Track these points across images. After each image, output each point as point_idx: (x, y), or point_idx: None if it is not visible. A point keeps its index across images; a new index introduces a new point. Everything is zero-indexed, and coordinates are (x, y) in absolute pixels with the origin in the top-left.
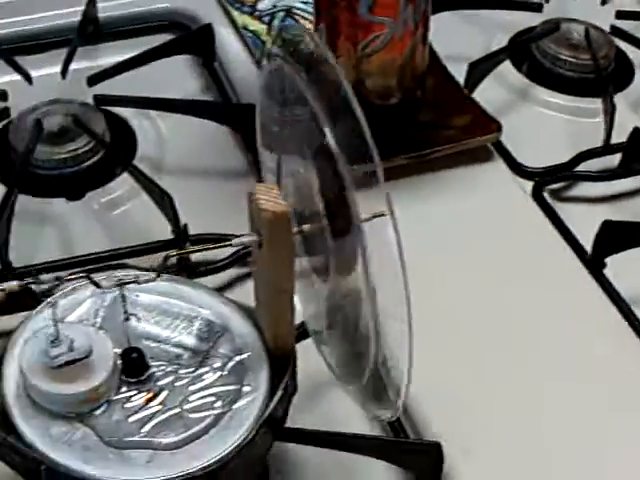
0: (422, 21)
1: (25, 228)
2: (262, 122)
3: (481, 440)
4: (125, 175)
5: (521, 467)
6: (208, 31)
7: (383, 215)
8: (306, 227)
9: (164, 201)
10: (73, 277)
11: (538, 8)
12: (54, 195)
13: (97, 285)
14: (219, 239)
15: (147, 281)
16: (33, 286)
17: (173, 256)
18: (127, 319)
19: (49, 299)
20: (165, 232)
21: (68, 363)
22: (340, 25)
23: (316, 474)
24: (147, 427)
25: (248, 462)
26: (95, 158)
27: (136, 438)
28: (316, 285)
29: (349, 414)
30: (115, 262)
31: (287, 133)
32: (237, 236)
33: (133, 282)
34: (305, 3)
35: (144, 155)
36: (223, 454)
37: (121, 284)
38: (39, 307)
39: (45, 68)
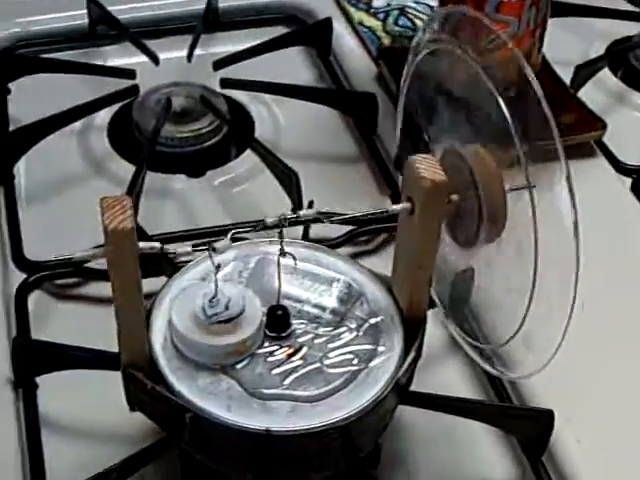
0: (541, 23)
1: (147, 202)
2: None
3: (583, 409)
4: (244, 156)
5: (624, 438)
6: (327, 25)
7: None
8: (454, 197)
9: (288, 178)
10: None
11: (637, 18)
12: (176, 172)
13: (265, 227)
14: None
15: (307, 215)
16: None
17: (335, 221)
18: (283, 254)
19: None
20: (280, 210)
21: (223, 322)
22: (461, 22)
23: (421, 437)
24: (289, 380)
25: (379, 417)
26: (216, 138)
27: (278, 390)
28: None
29: (449, 381)
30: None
31: (440, 115)
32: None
33: (294, 217)
34: (417, 3)
35: (261, 138)
36: (361, 407)
37: (284, 219)
38: (184, 267)
39: (171, 52)
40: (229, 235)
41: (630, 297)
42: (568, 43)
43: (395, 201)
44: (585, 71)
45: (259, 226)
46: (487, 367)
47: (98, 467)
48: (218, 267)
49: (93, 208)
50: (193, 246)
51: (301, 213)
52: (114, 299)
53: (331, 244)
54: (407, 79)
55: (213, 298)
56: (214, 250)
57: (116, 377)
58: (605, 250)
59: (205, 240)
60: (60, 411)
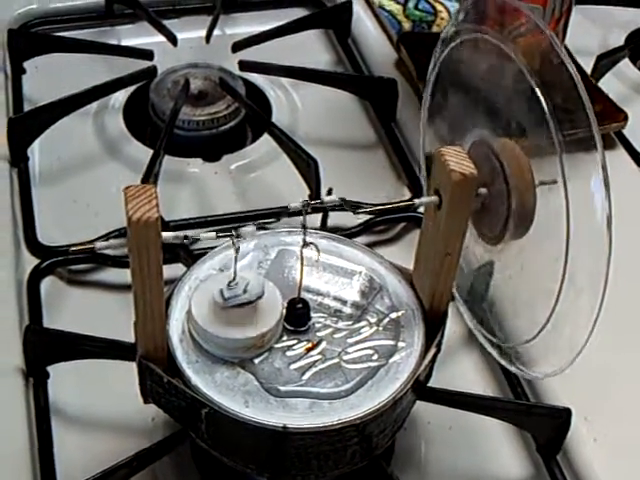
0: (566, 11)
1: (162, 186)
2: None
3: (601, 408)
4: (261, 140)
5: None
6: (348, 7)
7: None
8: (483, 190)
9: (306, 165)
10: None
11: None
12: (191, 155)
13: (288, 214)
14: (357, 206)
15: (330, 202)
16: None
17: (360, 212)
18: (306, 245)
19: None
20: (297, 197)
21: (241, 305)
22: (488, 9)
23: (435, 432)
24: (307, 375)
25: (397, 415)
26: (233, 122)
27: (296, 386)
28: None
29: (464, 376)
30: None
31: (468, 106)
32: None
33: (319, 203)
34: None
35: (279, 123)
36: (379, 405)
37: (307, 204)
38: (204, 256)
39: (189, 32)
40: (254, 224)
41: None
42: (587, 32)
43: (413, 189)
44: (605, 61)
45: (282, 214)
46: (505, 364)
47: (109, 459)
48: (238, 250)
49: (108, 191)
50: (217, 232)
51: (325, 199)
52: (134, 289)
53: (348, 233)
54: (435, 69)
55: (232, 281)
56: (238, 237)
57: (129, 368)
58: (625, 245)
59: (229, 226)
60: (71, 401)
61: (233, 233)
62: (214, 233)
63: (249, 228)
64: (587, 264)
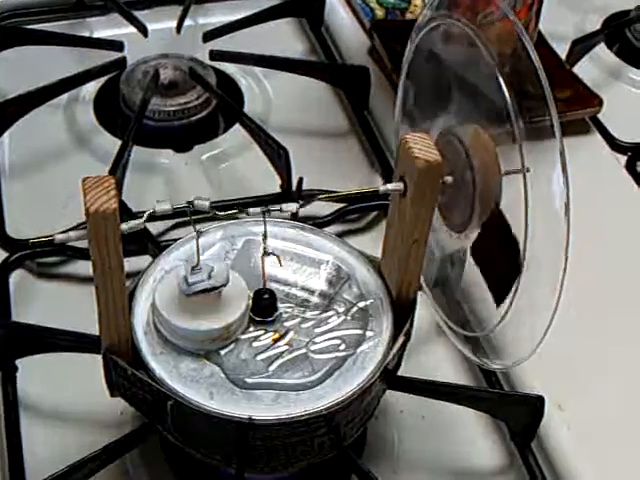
0: None
1: (132, 177)
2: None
3: (574, 396)
4: (232, 131)
5: (614, 424)
6: None
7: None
8: (449, 178)
9: (277, 154)
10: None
11: None
12: (162, 146)
13: (247, 213)
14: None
15: (290, 210)
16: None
17: (323, 200)
18: (266, 254)
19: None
20: (268, 187)
21: (205, 291)
22: None
23: (408, 422)
24: (274, 366)
25: (366, 405)
26: (204, 112)
27: (263, 377)
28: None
29: (437, 365)
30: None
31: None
32: None
33: (277, 210)
34: None
35: (250, 112)
36: (346, 396)
37: (267, 210)
38: (170, 247)
39: (159, 23)
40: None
41: (624, 278)
42: (563, 17)
43: (387, 178)
44: (581, 46)
45: (242, 215)
46: (470, 355)
47: (78, 452)
48: (200, 233)
49: (78, 183)
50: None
51: (284, 206)
52: (95, 281)
53: (320, 222)
54: (409, 58)
55: (195, 267)
56: (194, 212)
57: (98, 361)
58: (599, 229)
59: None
60: (40, 395)
61: (189, 207)
62: (170, 205)
63: (205, 202)
64: (546, 252)
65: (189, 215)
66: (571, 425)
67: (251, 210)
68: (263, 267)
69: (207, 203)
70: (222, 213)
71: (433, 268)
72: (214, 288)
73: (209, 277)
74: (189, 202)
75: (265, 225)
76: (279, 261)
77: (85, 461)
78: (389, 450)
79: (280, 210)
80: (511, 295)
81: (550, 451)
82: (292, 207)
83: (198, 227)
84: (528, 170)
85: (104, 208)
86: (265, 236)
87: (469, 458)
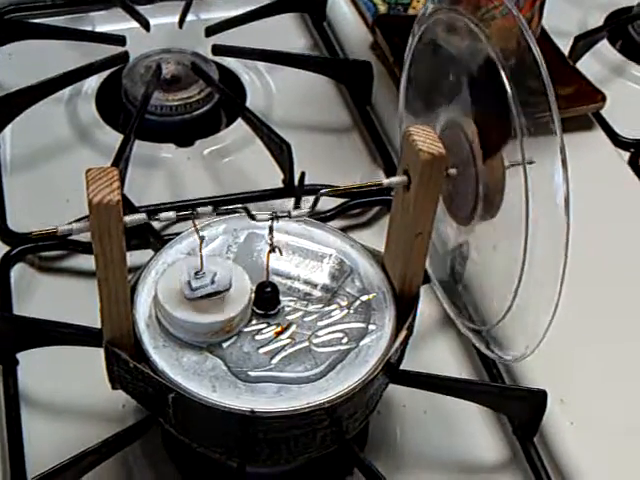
0: None
1: (134, 172)
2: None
3: (577, 390)
4: (234, 126)
5: (618, 419)
6: None
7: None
8: (453, 171)
9: (280, 149)
10: (230, 208)
11: None
12: (164, 141)
13: (252, 217)
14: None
15: (299, 216)
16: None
17: (326, 194)
18: (272, 250)
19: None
20: (271, 182)
21: (209, 295)
22: None
23: (410, 416)
24: (276, 359)
25: (368, 398)
26: (207, 107)
27: (265, 369)
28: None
29: (440, 359)
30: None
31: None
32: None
33: (286, 216)
34: None
35: (253, 107)
36: (348, 389)
37: (275, 217)
38: (172, 241)
39: (162, 17)
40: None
41: (626, 273)
42: (566, 13)
43: (389, 173)
44: (584, 42)
45: (247, 214)
46: (482, 348)
47: (78, 445)
48: (203, 239)
49: (80, 177)
50: (177, 212)
51: (293, 212)
52: (97, 274)
53: (323, 216)
54: (411, 51)
55: (199, 271)
56: (197, 217)
57: (100, 354)
58: (602, 224)
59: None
60: (41, 388)
61: (193, 213)
62: (174, 213)
63: (207, 208)
64: (547, 247)
65: (193, 223)
66: (573, 419)
67: (259, 216)
68: (267, 261)
69: (210, 209)
70: (227, 217)
71: (442, 261)
72: (217, 293)
73: (212, 282)
74: (193, 208)
75: (272, 231)
76: (280, 252)
77: (86, 454)
78: (391, 444)
79: (289, 216)
80: (513, 290)
81: (552, 445)
82: (301, 213)
83: (199, 223)
84: (530, 163)
85: (107, 200)
86: (272, 244)
87: (471, 452)
